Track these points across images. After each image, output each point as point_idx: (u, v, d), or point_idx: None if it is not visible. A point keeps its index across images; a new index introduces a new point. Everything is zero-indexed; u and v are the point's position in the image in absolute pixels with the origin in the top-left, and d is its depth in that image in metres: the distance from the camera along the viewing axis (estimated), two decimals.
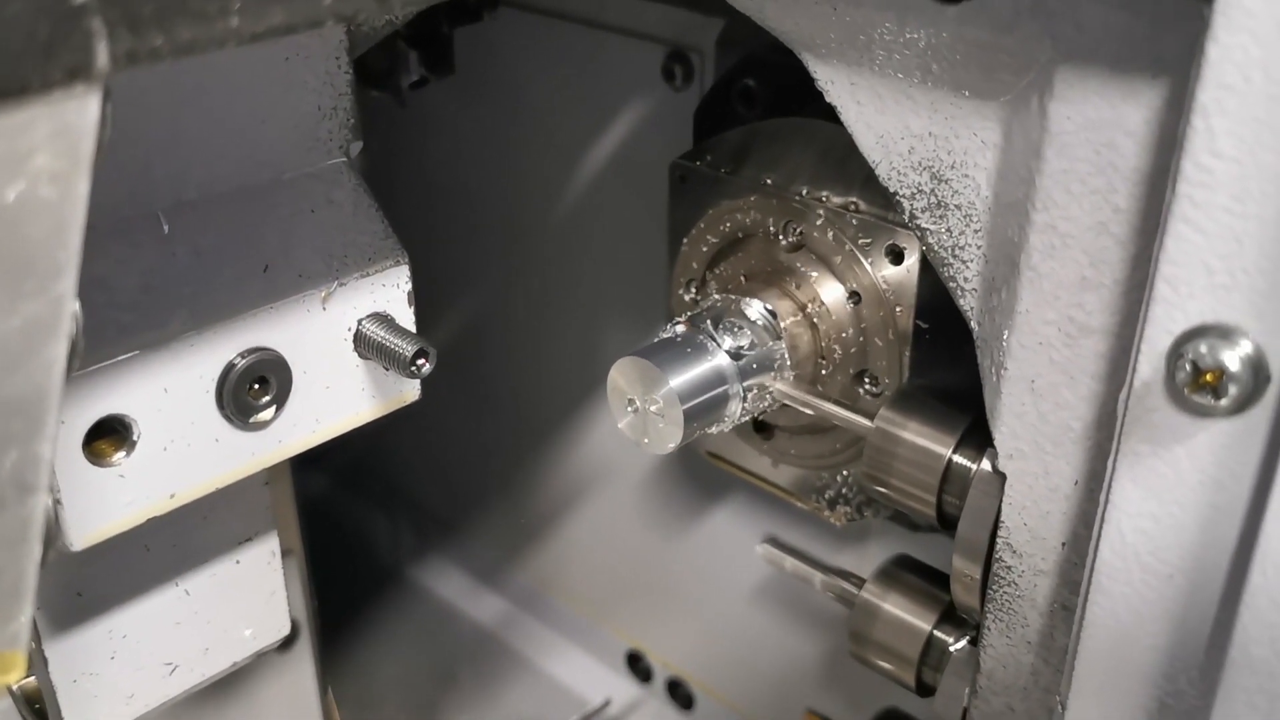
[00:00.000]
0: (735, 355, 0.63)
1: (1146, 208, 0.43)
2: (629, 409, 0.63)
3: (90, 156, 0.32)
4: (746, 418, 0.65)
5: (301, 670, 0.92)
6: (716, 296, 0.68)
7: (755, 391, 0.64)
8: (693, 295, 0.73)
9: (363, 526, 1.35)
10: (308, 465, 1.38)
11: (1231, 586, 0.40)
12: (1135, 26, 0.41)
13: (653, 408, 0.61)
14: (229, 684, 0.89)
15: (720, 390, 0.62)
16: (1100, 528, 0.44)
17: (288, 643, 0.91)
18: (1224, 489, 0.40)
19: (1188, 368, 0.38)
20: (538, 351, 1.05)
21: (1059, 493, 0.49)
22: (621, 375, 0.62)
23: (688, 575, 1.00)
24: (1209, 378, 0.38)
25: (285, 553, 0.88)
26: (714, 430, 0.64)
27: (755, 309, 0.66)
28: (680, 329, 0.64)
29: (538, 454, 1.10)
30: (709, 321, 0.64)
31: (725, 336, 0.63)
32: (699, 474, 0.95)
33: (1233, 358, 0.37)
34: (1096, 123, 0.43)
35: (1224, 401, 0.38)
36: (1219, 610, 0.41)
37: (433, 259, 1.10)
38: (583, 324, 0.99)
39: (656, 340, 0.63)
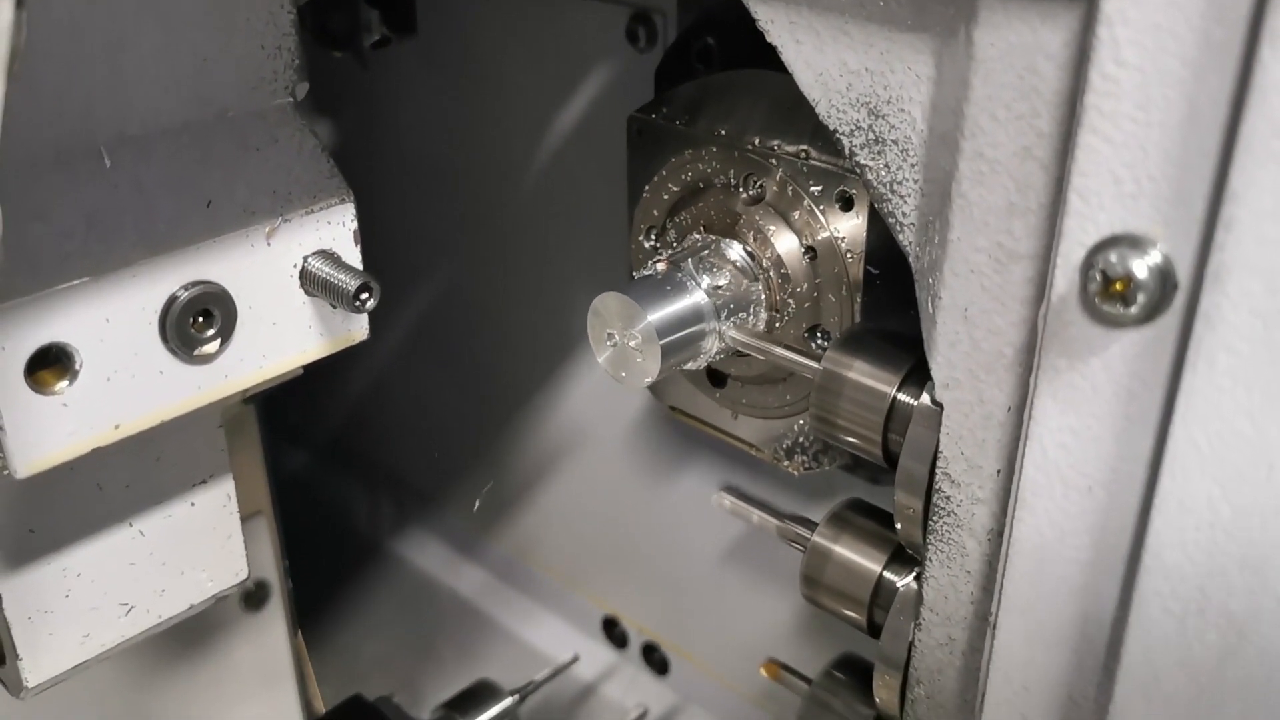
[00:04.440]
0: (713, 293, 0.64)
1: (1068, 131, 0.43)
2: (608, 343, 0.64)
3: (6, 59, 0.32)
4: (723, 356, 0.66)
5: (274, 631, 0.93)
6: (697, 236, 0.69)
7: (734, 322, 0.65)
8: (653, 242, 0.74)
9: (342, 500, 1.36)
10: (287, 441, 1.40)
11: (1146, 496, 0.41)
12: None
13: (631, 342, 0.63)
14: (200, 644, 0.90)
15: (697, 327, 0.64)
16: (1024, 445, 0.45)
17: (259, 603, 0.92)
18: (1136, 398, 0.40)
19: (1098, 278, 0.39)
20: (509, 318, 1.06)
21: (993, 420, 0.50)
22: (603, 309, 0.63)
23: (661, 541, 1.01)
24: (1118, 286, 0.38)
25: (255, 513, 0.89)
26: (691, 366, 0.65)
27: (735, 250, 0.67)
28: (660, 267, 0.65)
29: (513, 424, 1.11)
30: (690, 260, 0.65)
31: (704, 275, 0.65)
32: (673, 442, 0.96)
33: (1140, 266, 0.38)
34: (1018, 47, 0.44)
35: (1133, 310, 0.38)
36: (1136, 520, 0.42)
37: (403, 226, 1.11)
38: (552, 289, 0.99)
39: (638, 278, 0.64)
